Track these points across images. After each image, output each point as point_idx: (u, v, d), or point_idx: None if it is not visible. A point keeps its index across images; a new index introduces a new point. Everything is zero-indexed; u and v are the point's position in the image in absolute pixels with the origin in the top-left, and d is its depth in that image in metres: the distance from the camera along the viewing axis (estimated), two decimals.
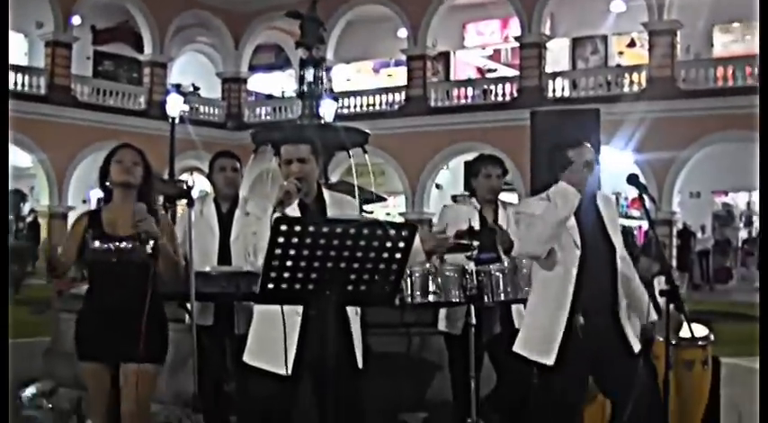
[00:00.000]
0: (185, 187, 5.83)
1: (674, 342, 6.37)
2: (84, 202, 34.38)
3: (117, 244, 5.07)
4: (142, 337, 5.00)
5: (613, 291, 5.27)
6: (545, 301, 5.32)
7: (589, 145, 5.40)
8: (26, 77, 34.33)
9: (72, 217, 32.56)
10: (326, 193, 5.09)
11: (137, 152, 5.25)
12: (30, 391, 8.90)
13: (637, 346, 5.29)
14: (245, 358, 4.98)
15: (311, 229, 3.73)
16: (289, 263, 3.76)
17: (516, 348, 5.49)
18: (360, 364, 4.98)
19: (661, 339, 5.35)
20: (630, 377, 5.09)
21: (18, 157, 36.19)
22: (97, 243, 5.09)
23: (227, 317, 6.31)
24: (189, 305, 5.33)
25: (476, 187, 6.67)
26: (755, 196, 31.87)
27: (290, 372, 4.69)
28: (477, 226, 6.38)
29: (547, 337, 5.24)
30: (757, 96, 22.18)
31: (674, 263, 27.52)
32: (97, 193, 5.31)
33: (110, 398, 5.15)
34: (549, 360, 5.22)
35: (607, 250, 5.27)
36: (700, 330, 6.64)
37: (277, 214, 4.25)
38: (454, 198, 10.75)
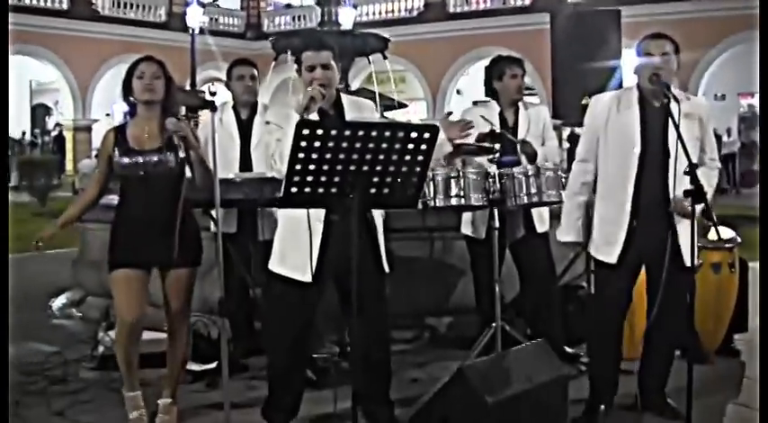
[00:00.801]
0: (209, 94, 5.81)
1: (700, 244, 6.33)
2: (108, 115, 34.48)
3: (144, 158, 5.08)
4: (192, 243, 5.19)
5: (665, 197, 5.04)
6: (605, 201, 5.20)
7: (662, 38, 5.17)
8: None
9: (96, 129, 32.81)
10: (344, 98, 5.06)
11: (158, 65, 5.19)
12: (60, 300, 9.04)
13: (688, 260, 5.02)
14: (270, 266, 5.01)
15: (333, 132, 3.71)
16: (311, 167, 3.75)
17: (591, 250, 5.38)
18: (386, 268, 5.01)
19: None
20: (679, 287, 4.99)
21: (42, 72, 36.28)
22: (125, 159, 5.08)
23: (251, 224, 6.33)
24: (213, 212, 5.34)
25: (500, 89, 6.58)
26: None
27: (311, 278, 4.74)
28: (497, 129, 6.35)
29: (609, 235, 5.14)
30: None
31: None
32: (121, 107, 5.28)
33: (144, 304, 5.22)
34: (612, 258, 5.13)
35: (662, 152, 5.02)
36: (726, 233, 6.61)
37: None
38: (475, 103, 10.59)
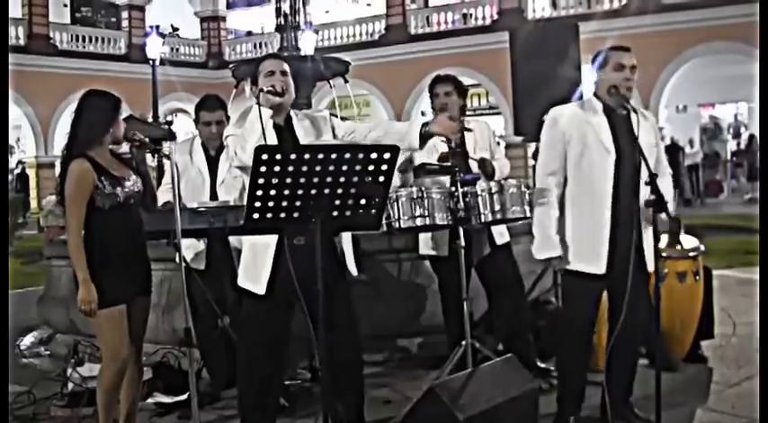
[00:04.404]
0: (167, 124, 5.82)
1: (664, 254, 6.40)
2: None
3: (126, 186, 5.07)
4: (149, 269, 5.28)
5: (636, 206, 5.06)
6: (582, 212, 5.19)
7: (630, 52, 5.25)
8: None
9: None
10: (292, 113, 5.08)
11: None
12: (27, 340, 8.97)
13: (651, 266, 5.16)
14: (238, 281, 5.04)
15: (292, 156, 3.71)
16: (272, 192, 3.75)
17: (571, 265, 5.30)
18: (354, 272, 5.04)
19: None
20: (641, 294, 5.08)
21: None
22: (110, 188, 5.00)
23: (228, 258, 6.25)
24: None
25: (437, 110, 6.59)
26: (742, 108, 31.89)
27: (264, 290, 4.82)
28: (444, 149, 6.37)
29: (591, 247, 5.12)
30: (741, 5, 22.16)
31: None
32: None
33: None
34: (600, 269, 5.12)
35: (633, 160, 5.02)
36: (690, 242, 6.69)
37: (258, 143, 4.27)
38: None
